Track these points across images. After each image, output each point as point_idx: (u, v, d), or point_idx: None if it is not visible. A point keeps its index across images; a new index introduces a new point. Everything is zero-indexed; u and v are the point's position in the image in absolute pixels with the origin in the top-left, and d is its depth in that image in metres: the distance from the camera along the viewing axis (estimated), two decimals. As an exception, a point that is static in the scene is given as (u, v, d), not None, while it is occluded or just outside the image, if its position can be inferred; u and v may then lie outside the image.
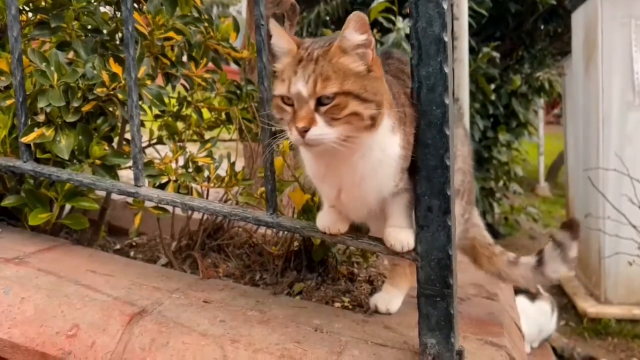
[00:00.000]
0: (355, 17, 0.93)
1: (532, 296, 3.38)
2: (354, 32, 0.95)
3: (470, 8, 4.73)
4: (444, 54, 1.01)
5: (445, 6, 1.00)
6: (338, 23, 6.26)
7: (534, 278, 1.44)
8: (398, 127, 1.02)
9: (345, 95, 0.93)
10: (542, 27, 6.45)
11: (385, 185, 1.07)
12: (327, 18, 6.20)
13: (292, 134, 0.94)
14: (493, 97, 5.50)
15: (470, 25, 4.57)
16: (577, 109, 4.87)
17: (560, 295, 4.58)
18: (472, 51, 5.14)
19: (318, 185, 1.12)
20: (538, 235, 6.68)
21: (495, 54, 5.36)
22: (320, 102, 0.93)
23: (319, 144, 0.94)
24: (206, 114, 1.94)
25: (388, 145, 1.03)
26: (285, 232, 1.60)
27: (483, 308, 1.52)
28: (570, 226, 1.45)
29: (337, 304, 1.49)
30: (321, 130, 0.92)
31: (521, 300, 3.29)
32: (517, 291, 3.26)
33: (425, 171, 1.05)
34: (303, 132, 0.92)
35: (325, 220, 1.14)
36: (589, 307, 4.08)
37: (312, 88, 0.92)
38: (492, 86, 5.57)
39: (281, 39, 0.99)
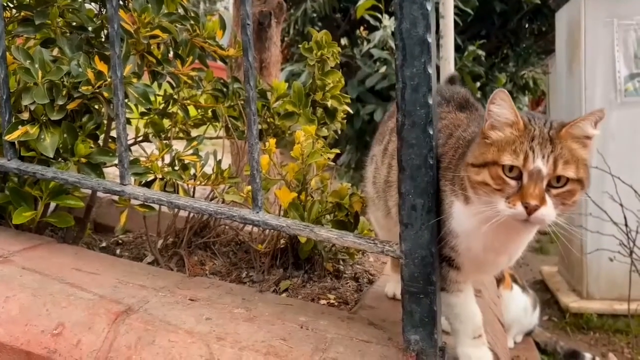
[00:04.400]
0: (598, 114, 0.95)
1: (523, 287, 3.44)
2: (590, 125, 0.95)
3: (456, 6, 4.77)
4: (427, 55, 1.03)
5: (429, 8, 1.02)
6: (325, 20, 6.27)
7: None
8: None
9: (578, 182, 0.94)
10: (527, 25, 6.52)
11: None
12: (314, 15, 6.20)
13: (514, 209, 0.92)
14: (479, 95, 5.55)
15: (456, 24, 4.61)
16: (560, 107, 4.93)
17: (543, 290, 4.64)
18: (458, 49, 5.18)
19: (480, 254, 1.08)
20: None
21: (481, 52, 5.42)
22: (549, 184, 0.93)
23: (540, 223, 0.94)
24: (193, 111, 1.94)
25: None
26: (272, 230, 1.61)
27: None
28: None
29: (323, 301, 1.51)
30: (548, 211, 0.92)
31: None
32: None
33: (409, 170, 1.06)
34: (533, 209, 0.91)
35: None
36: (572, 302, 4.15)
37: (553, 168, 0.92)
38: (478, 84, 5.62)
39: (507, 111, 0.98)
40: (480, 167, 0.98)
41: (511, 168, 0.95)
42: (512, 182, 0.94)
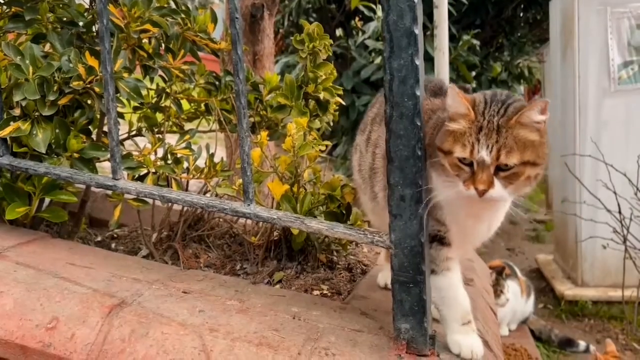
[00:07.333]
0: (541, 104, 1.04)
1: (507, 276, 3.43)
2: (536, 112, 1.04)
3: (450, -4, 4.76)
4: (415, 47, 1.03)
5: (415, -1, 1.02)
6: (319, 12, 6.26)
7: None
8: None
9: (524, 164, 1.04)
10: (522, 14, 6.51)
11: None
12: (309, 6, 6.18)
13: (469, 191, 1.05)
14: (474, 84, 5.55)
15: (450, 13, 4.60)
16: (555, 96, 4.94)
17: (538, 278, 4.67)
18: (453, 39, 5.17)
19: (463, 220, 1.17)
20: (518, 220, 6.78)
21: (476, 42, 5.41)
22: (499, 167, 1.04)
23: (492, 201, 1.08)
24: (186, 105, 1.94)
25: None
26: (265, 222, 1.62)
27: (458, 293, 1.55)
28: None
29: (316, 292, 1.52)
30: (497, 191, 1.04)
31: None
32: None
33: (398, 161, 1.07)
34: (482, 192, 1.03)
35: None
36: (567, 289, 4.18)
37: (496, 157, 1.03)
38: (473, 73, 5.63)
39: (459, 104, 1.07)
40: (443, 153, 1.09)
41: (464, 157, 1.06)
42: (467, 168, 1.06)
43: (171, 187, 1.60)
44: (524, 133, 1.04)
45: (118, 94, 1.51)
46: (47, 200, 1.63)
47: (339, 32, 5.94)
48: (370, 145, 1.35)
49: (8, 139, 1.48)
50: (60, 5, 1.66)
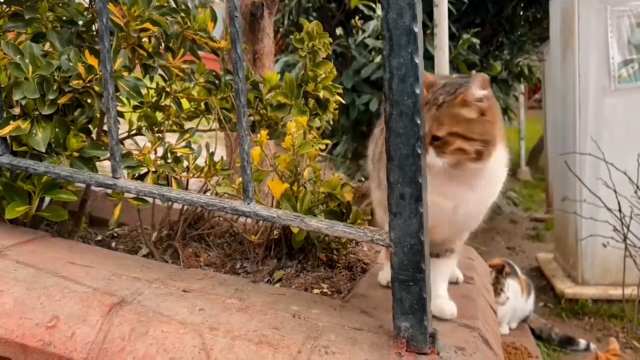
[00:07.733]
0: (480, 79, 1.16)
1: (507, 274, 3.43)
2: (478, 88, 1.16)
3: (450, -6, 4.75)
4: (414, 45, 1.03)
5: (415, -3, 1.02)
6: (319, 11, 6.25)
7: None
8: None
9: (451, 135, 1.17)
10: (522, 13, 6.49)
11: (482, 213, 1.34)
12: (309, 5, 6.17)
13: None
14: (474, 83, 5.54)
15: (450, 12, 4.59)
16: (555, 94, 4.94)
17: (539, 277, 4.68)
18: (453, 38, 5.16)
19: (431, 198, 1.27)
20: (519, 219, 6.78)
21: (476, 41, 5.40)
22: (434, 137, 1.18)
23: (429, 167, 1.17)
24: (185, 104, 1.95)
25: (499, 174, 1.30)
26: (265, 221, 1.62)
27: (458, 291, 1.56)
28: None
29: (316, 291, 1.52)
30: (430, 158, 1.18)
31: None
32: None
33: (397, 160, 1.07)
34: None
35: None
36: (567, 288, 4.18)
37: (429, 129, 1.17)
38: (473, 72, 5.61)
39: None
40: None
41: None
42: None
43: (171, 186, 1.60)
44: (462, 111, 1.17)
45: (118, 93, 1.51)
46: (47, 199, 1.63)
47: (339, 31, 5.93)
48: (383, 133, 1.43)
49: (8, 137, 1.48)
50: (60, 4, 1.66)
